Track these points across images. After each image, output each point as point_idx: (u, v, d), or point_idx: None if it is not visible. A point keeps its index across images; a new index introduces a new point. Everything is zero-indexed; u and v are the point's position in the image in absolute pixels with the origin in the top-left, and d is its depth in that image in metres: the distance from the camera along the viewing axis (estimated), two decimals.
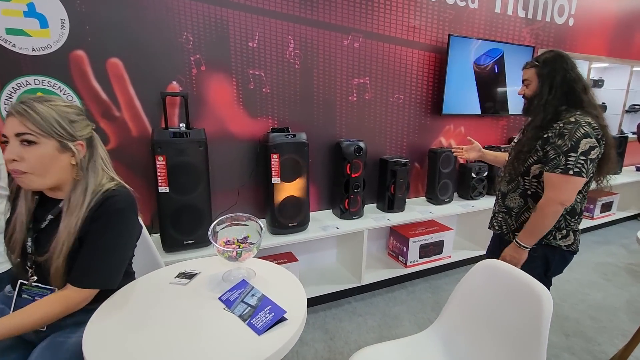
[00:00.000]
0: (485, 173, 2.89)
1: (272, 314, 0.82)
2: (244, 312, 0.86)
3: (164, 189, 1.77)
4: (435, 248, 2.65)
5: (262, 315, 0.83)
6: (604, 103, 3.99)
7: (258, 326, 0.81)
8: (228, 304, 0.91)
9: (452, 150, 1.94)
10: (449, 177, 2.74)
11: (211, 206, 1.93)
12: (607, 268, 2.91)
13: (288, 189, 2.10)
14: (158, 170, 1.74)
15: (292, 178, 2.10)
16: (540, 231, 1.32)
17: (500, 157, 1.78)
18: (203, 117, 2.07)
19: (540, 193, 1.35)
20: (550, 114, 1.32)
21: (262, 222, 2.31)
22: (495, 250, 1.56)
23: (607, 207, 3.80)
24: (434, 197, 2.75)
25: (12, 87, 1.65)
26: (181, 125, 1.91)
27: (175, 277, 1.04)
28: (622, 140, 3.88)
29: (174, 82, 1.97)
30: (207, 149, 1.85)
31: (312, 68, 2.31)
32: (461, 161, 1.84)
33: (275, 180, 2.04)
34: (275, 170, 2.02)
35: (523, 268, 1.38)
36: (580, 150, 1.21)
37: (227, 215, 1.05)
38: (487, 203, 2.83)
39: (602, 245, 3.36)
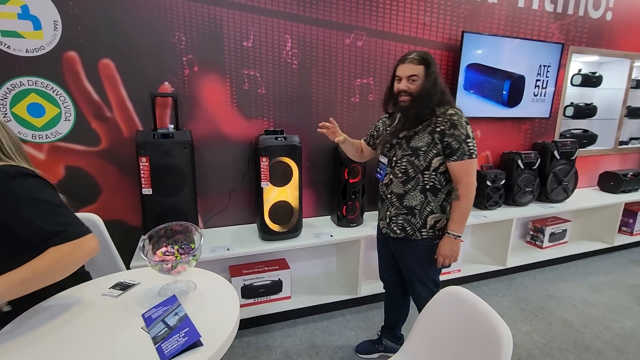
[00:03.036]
0: (502, 181, 2.66)
1: (186, 338, 0.74)
2: (159, 334, 0.78)
3: (147, 190, 1.75)
4: None
5: (175, 338, 0.74)
6: None
7: (166, 351, 0.72)
8: (148, 322, 0.83)
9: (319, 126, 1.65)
10: None
11: (197, 209, 1.89)
12: None
13: (279, 194, 2.02)
14: (141, 171, 1.73)
15: (283, 182, 2.01)
16: (467, 217, 1.43)
17: (356, 144, 1.74)
18: (195, 118, 2.04)
19: (438, 185, 1.43)
20: (430, 110, 1.40)
21: (253, 227, 2.26)
22: (402, 255, 1.56)
23: None
24: None
25: (7, 88, 1.70)
26: (170, 126, 1.88)
27: (109, 288, 0.99)
28: None
29: (166, 83, 1.95)
30: (192, 150, 1.81)
31: (310, 68, 2.22)
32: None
33: (265, 184, 1.97)
34: (265, 174, 1.95)
35: (427, 261, 1.48)
36: (471, 135, 1.38)
37: (162, 225, 0.99)
38: (503, 213, 2.60)
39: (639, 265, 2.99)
